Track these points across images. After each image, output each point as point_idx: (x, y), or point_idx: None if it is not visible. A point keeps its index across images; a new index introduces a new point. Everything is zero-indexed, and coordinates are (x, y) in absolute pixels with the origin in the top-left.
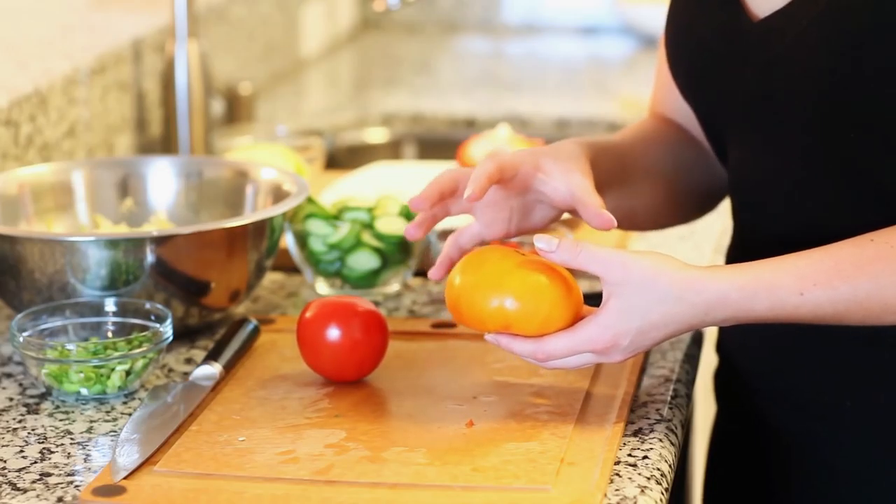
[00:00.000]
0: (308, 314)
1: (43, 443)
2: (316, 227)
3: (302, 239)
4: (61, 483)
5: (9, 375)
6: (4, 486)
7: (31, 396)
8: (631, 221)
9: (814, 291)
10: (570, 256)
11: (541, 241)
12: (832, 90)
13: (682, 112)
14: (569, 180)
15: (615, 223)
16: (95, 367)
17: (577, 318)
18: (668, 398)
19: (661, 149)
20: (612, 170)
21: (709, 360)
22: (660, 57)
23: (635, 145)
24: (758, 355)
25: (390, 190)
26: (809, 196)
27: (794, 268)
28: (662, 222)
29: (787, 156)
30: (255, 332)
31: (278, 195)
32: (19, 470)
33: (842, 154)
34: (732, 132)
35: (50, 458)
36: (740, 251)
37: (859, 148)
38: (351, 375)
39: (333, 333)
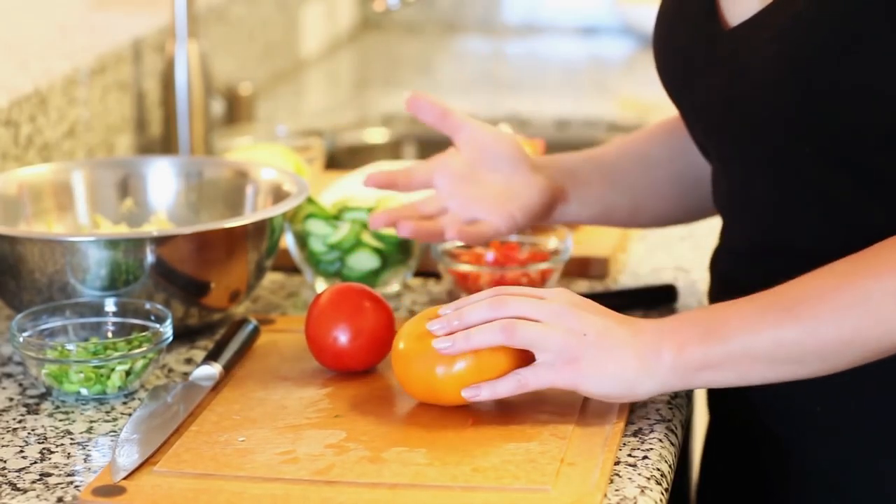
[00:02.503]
0: (317, 305)
1: (43, 443)
2: (316, 227)
3: (302, 239)
4: (61, 483)
5: (9, 375)
6: (4, 486)
7: (31, 396)
8: (632, 218)
9: (746, 301)
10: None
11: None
12: (794, 101)
13: None
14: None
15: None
16: (95, 367)
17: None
18: (668, 398)
19: (665, 145)
20: (588, 166)
21: None
22: None
23: (627, 151)
24: None
25: (390, 190)
26: (774, 204)
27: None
28: (671, 219)
29: (754, 163)
30: (255, 333)
31: (278, 195)
32: (19, 470)
33: (800, 166)
34: (710, 138)
35: (50, 459)
36: (723, 252)
37: (822, 158)
38: (359, 366)
39: (342, 324)
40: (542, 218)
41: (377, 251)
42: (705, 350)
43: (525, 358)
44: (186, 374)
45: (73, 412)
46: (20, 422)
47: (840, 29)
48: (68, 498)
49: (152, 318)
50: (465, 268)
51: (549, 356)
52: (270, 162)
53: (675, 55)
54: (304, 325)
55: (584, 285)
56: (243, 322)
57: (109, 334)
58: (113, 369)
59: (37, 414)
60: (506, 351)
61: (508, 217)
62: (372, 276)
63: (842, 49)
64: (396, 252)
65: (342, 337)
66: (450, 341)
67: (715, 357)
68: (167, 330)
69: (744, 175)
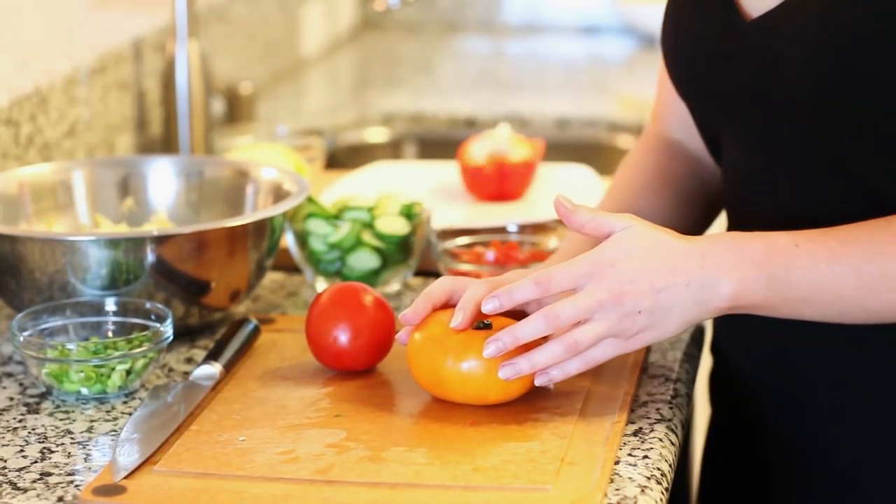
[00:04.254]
0: (318, 305)
1: (43, 442)
2: (316, 226)
3: (302, 238)
4: (61, 483)
5: (9, 375)
6: (5, 485)
7: (32, 396)
8: None
9: (808, 244)
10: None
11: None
12: (826, 90)
13: (680, 123)
14: None
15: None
16: (96, 366)
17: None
18: (668, 398)
19: (655, 191)
20: None
21: (704, 361)
22: (661, 65)
23: (635, 193)
24: (752, 356)
25: (390, 190)
26: (801, 195)
27: (788, 232)
28: None
29: (780, 155)
30: (256, 332)
31: (279, 195)
32: (20, 469)
33: (834, 153)
34: (726, 131)
35: (50, 458)
36: None
37: (852, 148)
38: (359, 366)
39: (342, 324)
40: None
41: (377, 251)
42: (767, 294)
43: None
44: (187, 374)
45: (73, 411)
46: (20, 421)
47: (871, 12)
48: (69, 497)
49: (153, 317)
50: (465, 267)
51: (613, 338)
52: (271, 161)
53: (690, 49)
54: (305, 325)
55: None
56: (244, 321)
57: (110, 334)
58: (113, 369)
59: (37, 413)
60: (516, 349)
61: None
62: (372, 276)
63: (875, 32)
64: (397, 252)
65: (342, 337)
66: (514, 367)
67: (775, 300)
68: (167, 329)
69: (769, 164)
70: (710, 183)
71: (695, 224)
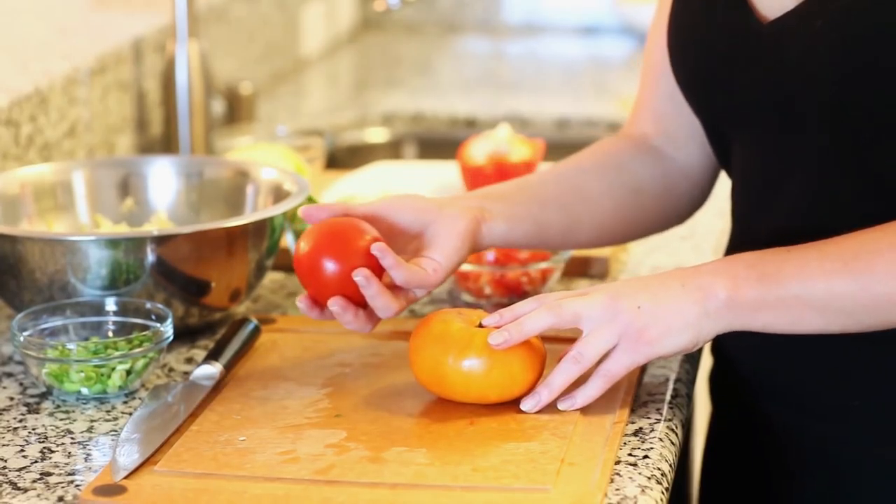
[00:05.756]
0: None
1: (43, 442)
2: None
3: None
4: (62, 482)
5: (9, 375)
6: (5, 485)
7: (32, 396)
8: (567, 235)
9: (798, 249)
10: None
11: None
12: (847, 91)
13: (654, 120)
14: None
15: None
16: (96, 366)
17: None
18: (669, 398)
19: (599, 163)
20: (527, 205)
21: (704, 361)
22: (643, 66)
23: (559, 181)
24: (752, 355)
25: (391, 190)
26: (818, 197)
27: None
28: (609, 235)
29: (797, 157)
30: (256, 332)
31: (279, 195)
32: (20, 469)
33: (854, 154)
34: (739, 134)
35: (50, 458)
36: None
37: (872, 148)
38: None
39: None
40: (470, 247)
41: None
42: (760, 291)
43: (536, 354)
44: (187, 374)
45: (73, 411)
46: (21, 421)
47: (892, 11)
48: (69, 497)
49: (153, 317)
50: (465, 267)
51: (622, 344)
52: (271, 162)
53: (701, 52)
54: (294, 263)
55: (584, 285)
56: (244, 321)
57: (110, 334)
58: (113, 369)
59: (37, 413)
60: (516, 348)
61: (432, 270)
62: None
63: (895, 31)
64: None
65: (330, 266)
66: (535, 398)
67: (770, 299)
68: (168, 329)
69: (785, 167)
70: (673, 182)
71: (639, 221)
